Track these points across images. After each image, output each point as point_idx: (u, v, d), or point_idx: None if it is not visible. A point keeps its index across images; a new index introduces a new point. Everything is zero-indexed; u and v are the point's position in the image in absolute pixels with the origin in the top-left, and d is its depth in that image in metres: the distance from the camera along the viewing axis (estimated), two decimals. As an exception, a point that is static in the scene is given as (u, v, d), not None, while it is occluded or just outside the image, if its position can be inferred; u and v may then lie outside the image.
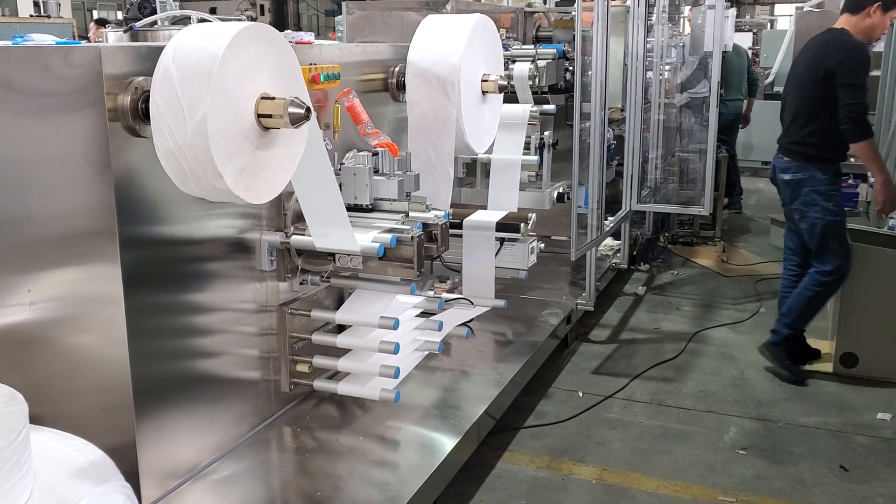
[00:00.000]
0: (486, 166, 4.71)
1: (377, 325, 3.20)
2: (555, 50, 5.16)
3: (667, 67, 7.04)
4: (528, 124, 4.67)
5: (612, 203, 5.84)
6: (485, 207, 4.66)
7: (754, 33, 15.07)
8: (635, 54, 5.50)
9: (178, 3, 6.19)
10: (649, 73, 6.25)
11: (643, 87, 5.65)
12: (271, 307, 3.25)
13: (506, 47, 5.08)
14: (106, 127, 2.36)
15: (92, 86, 2.34)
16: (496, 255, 4.40)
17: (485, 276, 4.44)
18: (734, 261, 6.82)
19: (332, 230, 2.95)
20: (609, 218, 5.51)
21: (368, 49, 3.90)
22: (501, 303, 4.38)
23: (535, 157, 4.67)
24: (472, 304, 4.42)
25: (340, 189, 3.22)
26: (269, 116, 2.32)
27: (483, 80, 3.96)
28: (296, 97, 2.34)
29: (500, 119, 4.60)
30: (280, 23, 17.16)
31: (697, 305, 5.71)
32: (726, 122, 8.38)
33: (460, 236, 4.40)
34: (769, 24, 16.92)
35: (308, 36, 3.48)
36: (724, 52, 8.06)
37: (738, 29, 15.80)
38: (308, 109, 2.34)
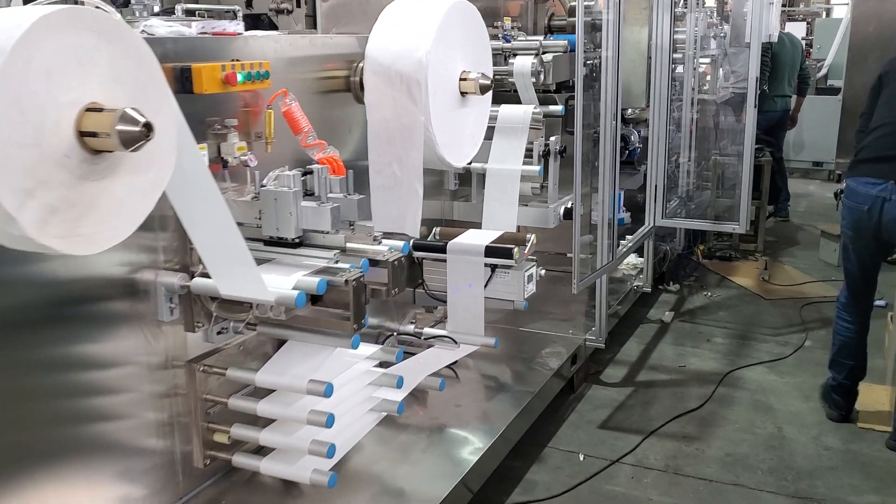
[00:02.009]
0: (483, 177, 4.02)
1: (304, 391, 2.55)
2: (566, 42, 4.42)
3: (707, 60, 6.30)
4: (531, 128, 3.98)
5: (640, 212, 5.13)
6: (480, 225, 3.99)
7: (808, 23, 14.07)
8: (660, 46, 4.74)
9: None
10: (681, 68, 5.52)
11: (670, 84, 4.87)
12: (177, 363, 2.61)
13: (507, 39, 4.40)
14: None
15: None
16: (486, 284, 3.74)
17: (473, 309, 3.80)
18: (777, 279, 6.02)
19: (237, 273, 2.29)
20: (627, 237, 4.78)
21: (320, 41, 3.24)
22: (491, 341, 3.74)
23: (538, 167, 3.97)
24: (456, 343, 3.78)
25: (259, 218, 2.58)
26: (95, 135, 1.66)
27: (461, 79, 3.27)
28: (132, 108, 1.67)
29: (497, 122, 3.94)
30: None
31: (732, 336, 4.94)
32: (773, 121, 7.55)
33: (445, 261, 3.77)
34: (824, 13, 15.88)
35: (234, 25, 2.83)
36: (770, 43, 7.29)
37: (790, 18, 14.85)
38: (147, 126, 1.67)
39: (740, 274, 6.17)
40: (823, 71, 10.94)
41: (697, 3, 5.56)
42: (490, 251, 3.68)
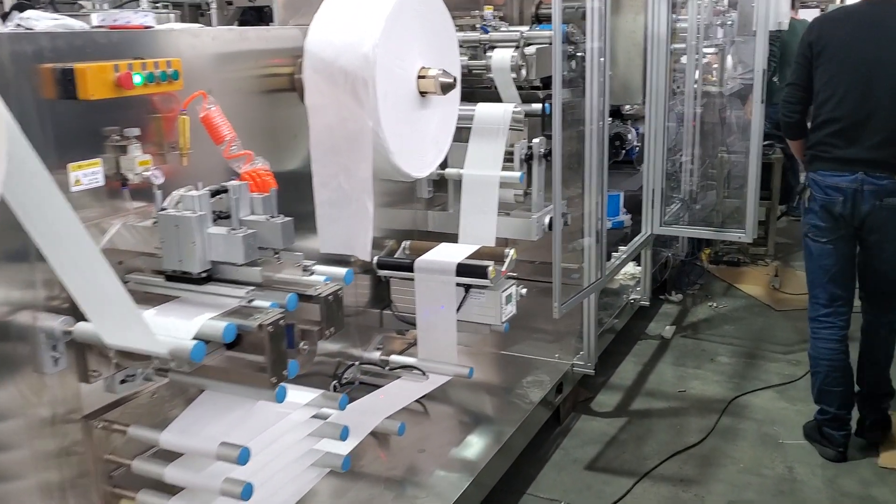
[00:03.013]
0: (460, 184, 3.60)
1: (214, 456, 2.13)
2: (551, 33, 3.97)
3: (711, 50, 5.86)
4: (512, 129, 3.55)
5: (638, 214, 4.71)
6: (457, 237, 3.58)
7: (822, 9, 13.53)
8: (657, 36, 4.29)
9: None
10: (684, 58, 5.08)
11: (668, 78, 4.42)
12: (72, 417, 2.20)
13: (485, 29, 3.96)
14: None
15: None
16: (460, 306, 3.34)
17: (445, 334, 3.39)
18: (789, 287, 5.56)
19: (119, 319, 1.88)
20: (621, 248, 4.34)
21: (254, 34, 2.80)
22: (465, 371, 3.34)
23: (519, 173, 3.55)
24: (425, 374, 3.37)
25: (160, 247, 2.15)
26: None
27: (420, 77, 2.84)
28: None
29: (474, 123, 3.53)
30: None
31: (738, 355, 4.49)
32: (782, 115, 7.07)
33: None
34: (840, -1, 15.34)
35: (142, 18, 2.40)
36: (779, 32, 6.84)
37: (804, 4, 14.30)
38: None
39: (749, 281, 5.72)
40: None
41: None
42: (462, 269, 3.27)
